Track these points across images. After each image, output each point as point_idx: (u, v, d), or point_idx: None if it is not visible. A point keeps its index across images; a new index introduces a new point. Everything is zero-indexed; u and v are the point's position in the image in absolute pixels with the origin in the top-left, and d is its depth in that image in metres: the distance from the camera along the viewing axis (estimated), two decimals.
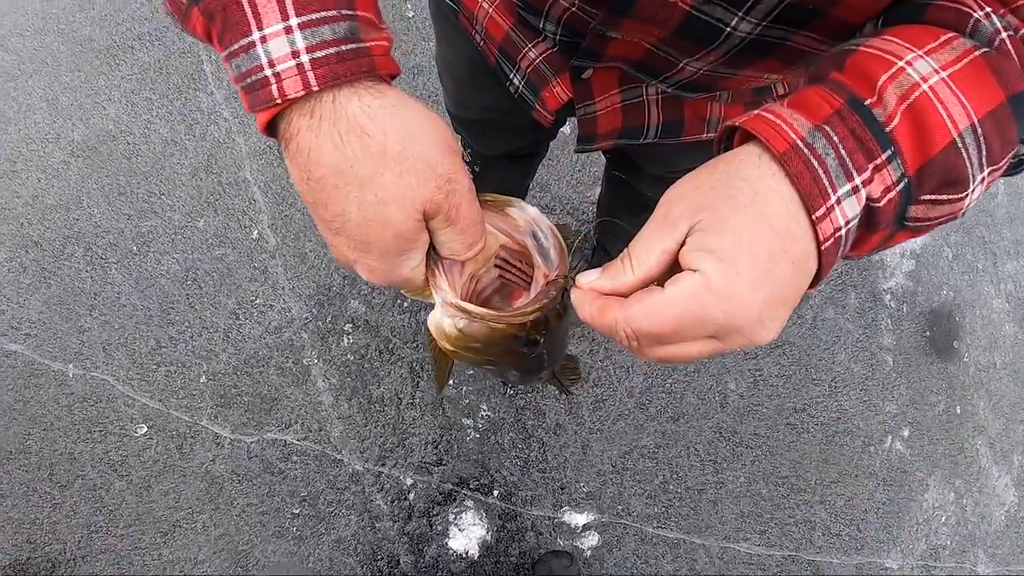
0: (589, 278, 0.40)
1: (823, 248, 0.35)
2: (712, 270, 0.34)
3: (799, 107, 0.37)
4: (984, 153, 0.36)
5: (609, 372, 1.76)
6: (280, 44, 0.36)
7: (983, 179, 0.37)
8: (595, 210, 1.77)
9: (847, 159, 0.35)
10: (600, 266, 0.41)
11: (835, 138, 0.35)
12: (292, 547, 1.62)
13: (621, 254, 0.39)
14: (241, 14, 0.36)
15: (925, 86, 0.35)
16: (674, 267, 0.37)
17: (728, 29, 0.48)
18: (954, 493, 1.92)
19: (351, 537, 1.62)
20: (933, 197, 0.36)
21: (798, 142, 0.35)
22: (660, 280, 0.37)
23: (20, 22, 1.86)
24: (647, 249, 0.37)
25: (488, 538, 1.65)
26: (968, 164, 0.35)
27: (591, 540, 1.68)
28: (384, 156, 0.38)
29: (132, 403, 1.66)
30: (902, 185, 0.36)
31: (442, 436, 1.68)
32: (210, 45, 0.40)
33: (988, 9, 0.38)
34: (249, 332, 1.70)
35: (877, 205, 0.36)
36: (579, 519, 1.68)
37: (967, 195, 0.37)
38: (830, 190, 0.35)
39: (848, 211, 0.35)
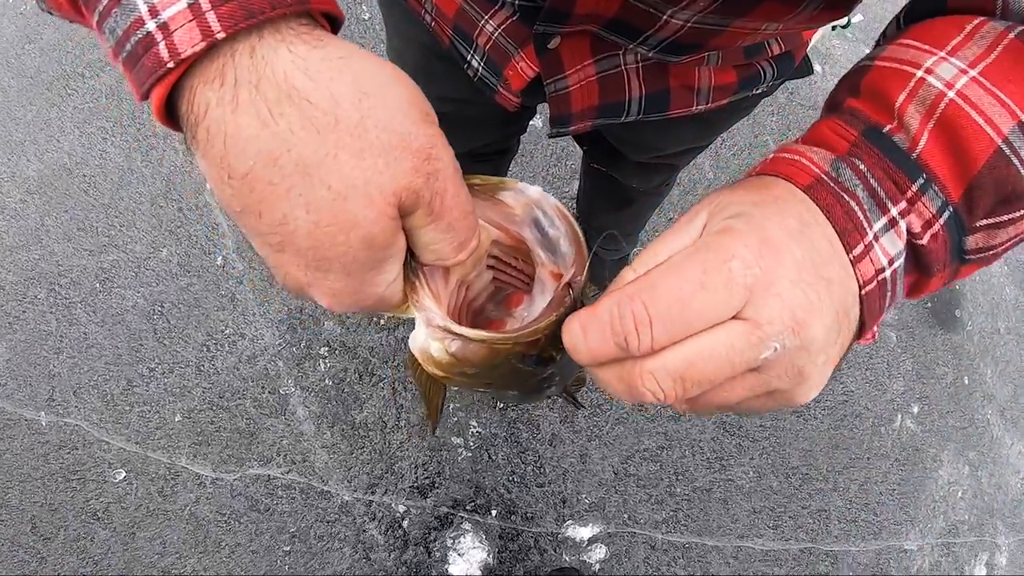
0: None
1: (864, 293, 0.29)
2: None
3: (815, 143, 0.31)
4: None
5: None
6: None
7: None
8: (575, 205, 1.70)
9: (878, 189, 0.29)
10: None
11: (862, 167, 0.29)
12: None
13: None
14: None
15: (951, 93, 0.29)
16: None
17: None
18: (968, 466, 1.88)
19: (346, 571, 1.56)
20: (991, 221, 0.30)
21: (822, 176, 0.30)
22: None
23: None
24: (654, 254, 0.30)
25: (490, 560, 1.58)
26: (1022, 170, 0.29)
27: (598, 553, 1.62)
28: (336, 129, 0.27)
29: (108, 448, 1.59)
30: (946, 216, 0.30)
31: (432, 458, 1.62)
32: (80, 22, 0.29)
33: None
34: (222, 364, 1.63)
35: (921, 243, 0.29)
36: (584, 532, 1.62)
37: None
38: (865, 224, 0.29)
39: (889, 248, 0.29)
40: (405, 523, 1.58)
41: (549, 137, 0.67)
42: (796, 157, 0.31)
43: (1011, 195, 0.29)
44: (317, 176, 0.27)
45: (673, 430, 1.70)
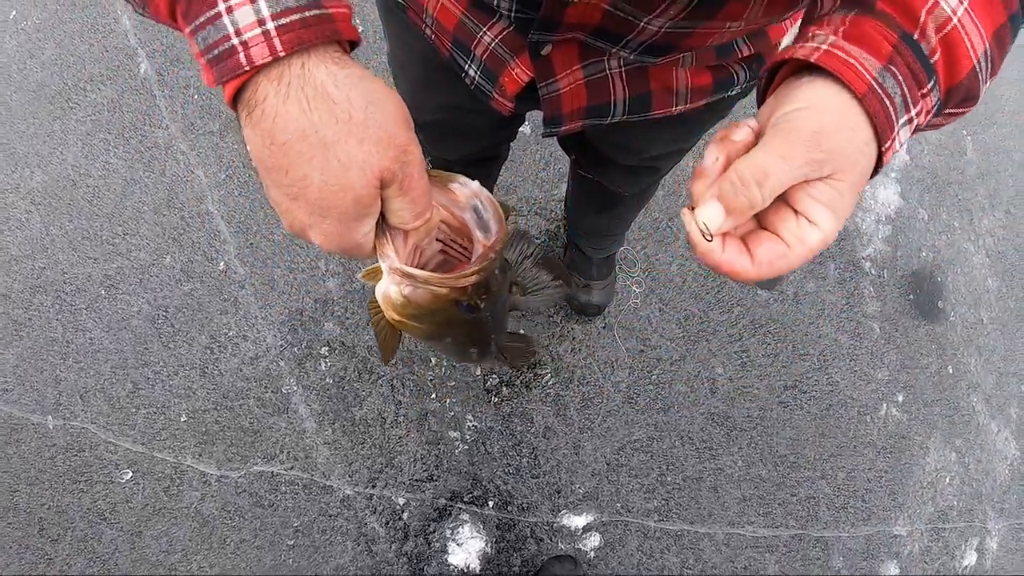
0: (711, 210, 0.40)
1: (879, 170, 0.41)
2: (831, 230, 0.39)
3: (860, 42, 0.39)
4: (991, 68, 0.41)
5: (593, 369, 1.74)
6: (246, 13, 0.37)
7: (988, 87, 0.43)
8: (562, 208, 1.75)
9: (907, 95, 0.39)
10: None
11: (899, 76, 0.39)
12: None
13: (739, 174, 0.38)
14: None
15: (955, 19, 0.39)
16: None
17: None
18: (955, 453, 1.92)
19: (349, 563, 1.60)
20: (952, 111, 0.43)
21: (873, 83, 0.38)
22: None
23: None
24: (781, 184, 0.38)
25: (488, 550, 1.62)
26: (981, 83, 0.41)
27: (593, 541, 1.66)
28: (349, 122, 0.39)
29: (115, 449, 1.63)
30: (935, 107, 0.41)
31: (430, 452, 1.66)
32: (172, 25, 0.41)
33: None
34: (225, 366, 1.67)
35: (919, 124, 0.41)
36: (578, 521, 1.66)
37: (976, 104, 0.44)
38: (896, 123, 0.39)
39: (903, 138, 0.40)
40: (405, 515, 1.62)
41: (543, 136, 0.75)
42: (851, 60, 0.39)
43: (970, 96, 0.42)
44: (332, 151, 0.39)
45: (663, 421, 1.74)
